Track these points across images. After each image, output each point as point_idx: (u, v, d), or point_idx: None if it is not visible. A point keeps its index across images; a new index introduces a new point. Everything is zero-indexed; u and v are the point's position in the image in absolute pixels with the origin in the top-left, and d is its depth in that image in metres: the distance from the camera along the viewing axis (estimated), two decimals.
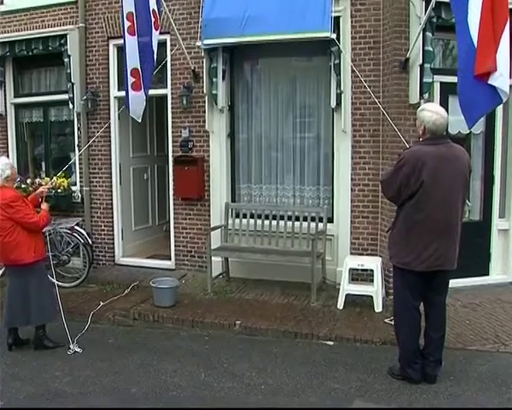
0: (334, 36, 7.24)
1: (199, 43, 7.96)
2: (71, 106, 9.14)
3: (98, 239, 9.36)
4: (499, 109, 7.54)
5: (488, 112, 6.29)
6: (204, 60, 8.07)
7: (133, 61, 7.10)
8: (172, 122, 8.71)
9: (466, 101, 5.76)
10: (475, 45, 5.54)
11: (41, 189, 6.56)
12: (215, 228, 8.29)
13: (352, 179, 7.76)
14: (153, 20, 7.14)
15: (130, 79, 7.16)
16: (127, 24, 6.98)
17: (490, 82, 5.46)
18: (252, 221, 8.26)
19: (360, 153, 7.69)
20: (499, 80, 5.44)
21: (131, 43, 7.05)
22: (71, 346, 6.10)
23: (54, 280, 6.95)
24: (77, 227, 8.79)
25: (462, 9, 5.74)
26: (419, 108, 5.07)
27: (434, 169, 4.68)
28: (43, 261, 6.22)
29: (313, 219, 7.93)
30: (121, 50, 7.82)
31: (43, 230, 6.32)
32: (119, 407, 4.96)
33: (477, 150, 7.85)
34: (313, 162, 8.29)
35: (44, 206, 6.17)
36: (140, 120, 7.68)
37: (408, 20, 7.16)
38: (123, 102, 7.94)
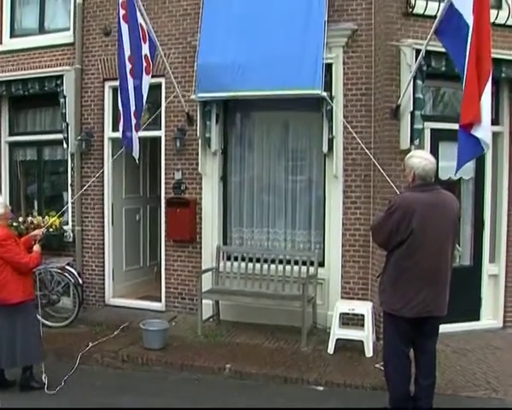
0: (325, 94, 7.34)
1: (193, 96, 8.05)
2: (65, 146, 9.21)
3: (89, 279, 9.31)
4: (488, 155, 7.70)
5: (470, 160, 6.36)
6: (198, 104, 8.17)
7: (133, 103, 7.22)
8: (166, 164, 8.78)
9: (459, 150, 5.91)
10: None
11: (36, 231, 6.56)
12: (206, 271, 8.27)
13: (343, 224, 7.81)
14: (144, 64, 7.27)
15: (133, 121, 7.26)
16: (129, 66, 7.10)
17: (473, 132, 5.59)
18: (243, 264, 8.26)
19: (351, 198, 7.76)
20: (481, 132, 5.57)
21: (132, 85, 7.18)
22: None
23: (42, 320, 6.89)
24: (68, 267, 8.73)
25: (462, 58, 5.91)
26: (407, 156, 5.14)
27: (424, 216, 4.72)
28: (32, 301, 6.17)
29: (304, 263, 7.94)
30: (116, 92, 7.91)
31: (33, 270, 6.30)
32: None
33: (467, 195, 7.94)
34: (305, 206, 8.35)
35: (36, 248, 6.15)
36: (137, 160, 7.77)
37: (399, 68, 7.33)
38: (117, 143, 8.00)
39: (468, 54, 5.61)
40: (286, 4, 7.62)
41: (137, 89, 7.24)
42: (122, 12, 7.04)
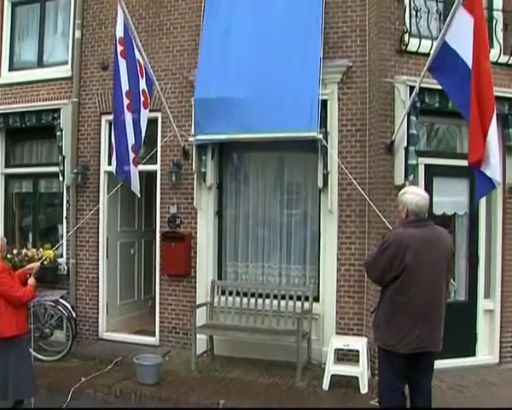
0: (321, 136, 7.41)
1: (191, 139, 8.12)
2: (61, 178, 9.24)
3: (82, 313, 9.24)
4: None
5: (485, 195, 6.45)
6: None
7: (131, 137, 7.26)
8: (161, 198, 8.80)
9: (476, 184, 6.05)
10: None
11: (31, 265, 6.54)
12: (200, 305, 8.23)
13: (338, 259, 7.81)
14: (142, 99, 7.33)
15: (131, 155, 7.29)
16: (126, 101, 7.16)
17: (482, 170, 5.65)
18: (238, 299, 8.23)
19: (346, 233, 7.77)
20: (489, 170, 5.62)
21: (130, 120, 7.22)
22: None
23: (35, 354, 6.83)
24: (61, 300, 8.67)
25: (460, 94, 6.01)
26: (401, 192, 5.17)
27: (418, 252, 4.73)
28: (25, 335, 6.13)
29: (299, 298, 7.92)
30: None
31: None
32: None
33: (461, 230, 7.97)
34: (300, 241, 8.36)
35: (31, 281, 6.12)
36: (139, 195, 7.80)
37: (393, 105, 7.42)
38: (113, 177, 8.03)
39: (470, 92, 5.68)
40: (283, 42, 7.69)
41: (135, 123, 7.29)
42: (120, 48, 7.14)
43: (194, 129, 8.02)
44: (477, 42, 5.67)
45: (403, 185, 7.03)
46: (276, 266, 8.48)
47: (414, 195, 4.94)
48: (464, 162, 7.52)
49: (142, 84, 7.33)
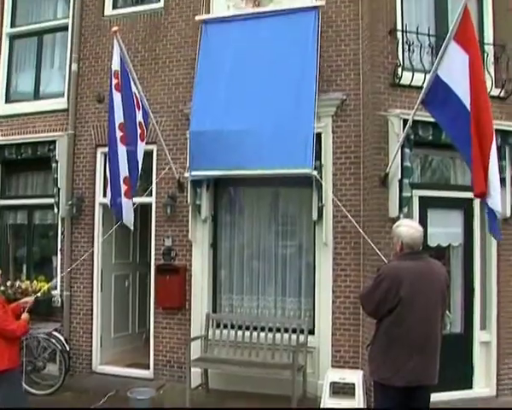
0: (315, 172, 7.46)
1: (187, 174, 8.15)
2: (56, 210, 9.23)
3: (76, 345, 9.15)
4: (477, 221, 7.80)
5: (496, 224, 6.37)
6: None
7: (124, 169, 7.26)
8: (156, 230, 8.79)
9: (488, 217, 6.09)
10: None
11: (26, 299, 6.50)
12: (195, 338, 8.17)
13: (333, 291, 7.79)
14: (139, 131, 7.37)
15: (123, 187, 7.28)
16: (119, 134, 7.17)
17: (487, 201, 5.74)
18: (232, 332, 8.17)
19: (341, 265, 7.77)
20: (491, 201, 5.69)
21: (123, 152, 7.23)
22: None
23: (27, 387, 6.75)
24: (55, 332, 8.61)
25: (453, 126, 6.10)
26: (395, 225, 5.17)
27: (413, 285, 4.71)
28: (17, 369, 6.06)
29: (294, 331, 7.87)
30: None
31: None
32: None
33: (456, 262, 7.96)
34: (295, 273, 8.34)
35: (25, 316, 6.08)
36: (132, 228, 7.77)
37: (387, 137, 7.48)
38: (108, 209, 8.02)
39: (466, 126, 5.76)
40: (278, 76, 7.76)
41: (132, 156, 7.30)
42: (114, 81, 7.18)
43: (190, 164, 8.05)
44: (474, 79, 5.76)
45: (397, 217, 7.05)
46: (271, 298, 8.45)
47: (408, 227, 4.94)
48: (458, 194, 7.68)
49: (139, 117, 7.37)
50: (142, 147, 7.46)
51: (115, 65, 7.18)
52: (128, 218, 7.49)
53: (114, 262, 9.72)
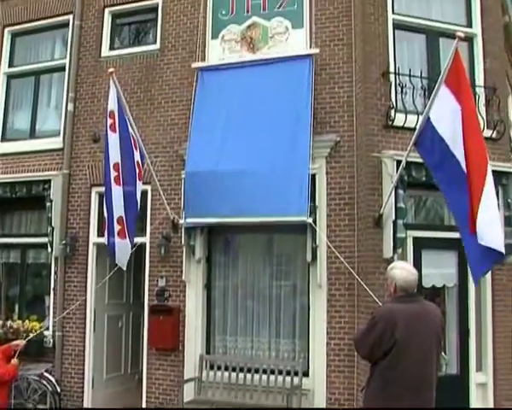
0: (310, 220, 7.47)
1: (182, 221, 8.16)
2: (49, 249, 9.19)
3: (67, 387, 9.01)
4: None
5: (491, 268, 6.44)
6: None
7: (118, 209, 7.26)
8: (150, 271, 8.75)
9: (472, 258, 5.95)
10: (467, 204, 5.82)
11: (18, 342, 6.44)
12: (188, 380, 8.09)
13: (327, 333, 7.72)
14: (137, 171, 7.40)
15: (117, 227, 7.27)
16: (114, 174, 7.20)
17: (485, 244, 5.63)
18: (226, 374, 8.08)
19: (335, 306, 7.72)
20: (489, 239, 5.62)
21: (117, 192, 7.24)
22: None
23: None
24: (46, 374, 8.52)
25: (439, 169, 6.16)
26: (389, 267, 5.15)
27: (407, 327, 4.68)
28: None
29: (288, 373, 7.80)
30: (103, 198, 7.98)
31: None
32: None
33: (451, 302, 7.93)
34: (289, 315, 8.27)
35: (15, 361, 6.02)
36: (125, 268, 7.73)
37: (381, 178, 7.52)
38: (102, 249, 8.00)
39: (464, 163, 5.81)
40: (273, 121, 7.85)
41: (129, 195, 7.31)
42: (110, 121, 7.25)
43: (184, 210, 8.06)
44: (468, 130, 5.83)
45: (391, 258, 7.06)
46: (265, 340, 8.36)
47: (402, 270, 4.92)
48: (452, 234, 7.65)
49: (137, 157, 7.41)
50: (140, 186, 7.49)
51: (111, 105, 7.27)
52: (121, 258, 7.47)
53: (108, 302, 9.64)
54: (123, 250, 7.44)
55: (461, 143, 5.86)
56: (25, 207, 9.91)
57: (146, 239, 8.80)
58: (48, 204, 9.19)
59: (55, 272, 9.27)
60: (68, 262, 9.20)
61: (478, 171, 5.75)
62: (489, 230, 5.65)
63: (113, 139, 7.24)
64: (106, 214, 7.38)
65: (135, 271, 10.05)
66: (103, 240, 7.64)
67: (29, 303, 9.87)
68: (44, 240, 9.27)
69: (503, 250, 5.71)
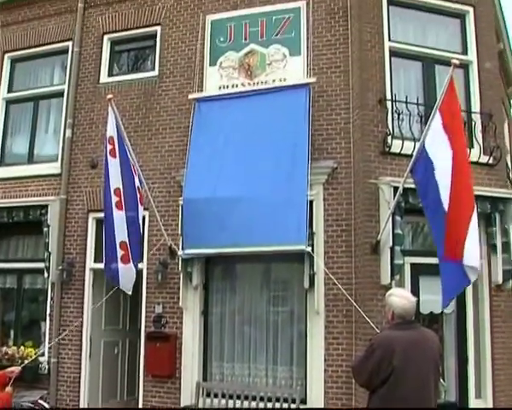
0: (309, 249, 7.49)
1: (180, 253, 8.14)
2: (46, 275, 9.16)
3: None
4: (469, 289, 7.72)
5: (457, 293, 6.54)
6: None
7: (121, 234, 7.27)
8: (147, 297, 8.72)
9: (445, 283, 6.18)
10: (443, 235, 5.89)
11: (13, 369, 6.36)
12: (185, 408, 8.00)
13: (325, 360, 7.67)
14: (138, 196, 7.43)
15: (120, 252, 7.27)
16: (115, 199, 7.23)
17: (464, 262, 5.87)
18: (223, 401, 7.99)
19: (333, 333, 7.68)
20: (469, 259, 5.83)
21: (119, 217, 7.26)
22: None
23: None
24: (40, 401, 8.38)
25: (426, 196, 6.24)
26: (387, 294, 5.14)
27: (406, 354, 4.65)
28: None
29: (286, 401, 7.72)
30: (100, 223, 7.98)
31: None
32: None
33: (449, 330, 7.89)
34: (286, 342, 8.22)
35: (9, 389, 5.94)
36: (130, 293, 7.72)
37: (378, 205, 7.55)
38: (99, 274, 7.97)
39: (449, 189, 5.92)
40: (271, 148, 7.88)
41: (131, 220, 7.32)
42: (109, 147, 7.28)
43: (182, 240, 8.06)
44: (458, 174, 5.96)
45: (389, 285, 7.06)
46: (262, 366, 8.30)
47: (400, 298, 4.90)
48: None
49: (137, 182, 7.46)
50: (141, 211, 7.54)
51: (110, 131, 7.30)
52: (126, 283, 7.48)
53: (104, 328, 9.59)
54: (127, 275, 7.44)
55: (448, 182, 5.99)
56: (22, 232, 9.91)
57: (143, 265, 8.75)
58: (45, 229, 9.19)
59: (52, 298, 9.23)
60: (65, 288, 9.17)
61: (464, 211, 5.89)
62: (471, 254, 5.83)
63: (114, 164, 7.27)
64: (105, 240, 7.36)
65: (131, 297, 10.02)
66: (100, 266, 7.62)
67: (25, 329, 9.80)
68: (41, 265, 9.25)
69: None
